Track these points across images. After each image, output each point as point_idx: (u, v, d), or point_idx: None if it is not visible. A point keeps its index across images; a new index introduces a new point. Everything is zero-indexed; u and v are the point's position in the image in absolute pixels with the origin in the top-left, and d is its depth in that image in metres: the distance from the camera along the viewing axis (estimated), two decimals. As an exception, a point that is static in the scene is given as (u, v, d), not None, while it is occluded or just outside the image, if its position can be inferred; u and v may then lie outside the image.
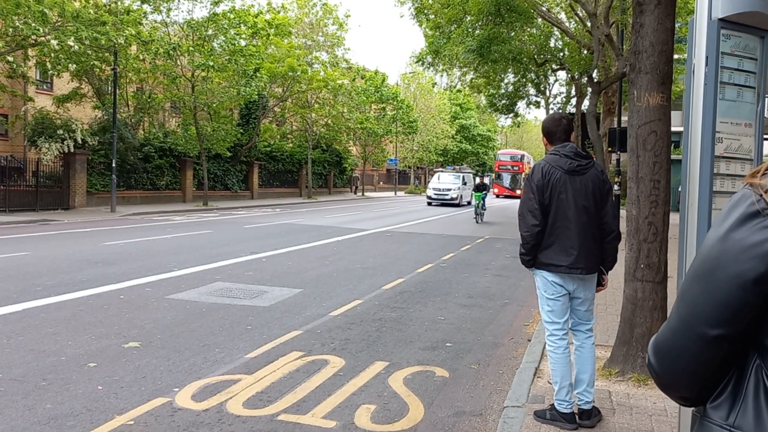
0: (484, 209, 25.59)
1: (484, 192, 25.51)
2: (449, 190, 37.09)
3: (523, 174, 61.75)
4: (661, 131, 5.26)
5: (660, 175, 5.22)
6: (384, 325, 7.18)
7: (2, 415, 4.26)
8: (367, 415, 4.46)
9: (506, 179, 61.29)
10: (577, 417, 4.19)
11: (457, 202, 36.65)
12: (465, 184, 38.31)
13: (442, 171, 43.64)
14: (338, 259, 12.70)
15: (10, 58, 21.25)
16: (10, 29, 20.19)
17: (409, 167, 68.48)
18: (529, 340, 6.49)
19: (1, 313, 7.07)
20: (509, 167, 61.50)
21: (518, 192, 57.23)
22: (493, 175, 65.57)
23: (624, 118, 18.82)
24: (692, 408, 1.29)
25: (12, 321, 6.77)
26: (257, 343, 6.22)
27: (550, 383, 5.06)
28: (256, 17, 30.56)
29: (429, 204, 36.69)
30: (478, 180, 29.22)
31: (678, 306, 1.25)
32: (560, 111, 5.08)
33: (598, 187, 3.99)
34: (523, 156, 65.00)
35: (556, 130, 4.09)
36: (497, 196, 57.80)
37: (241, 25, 28.96)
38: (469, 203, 36.83)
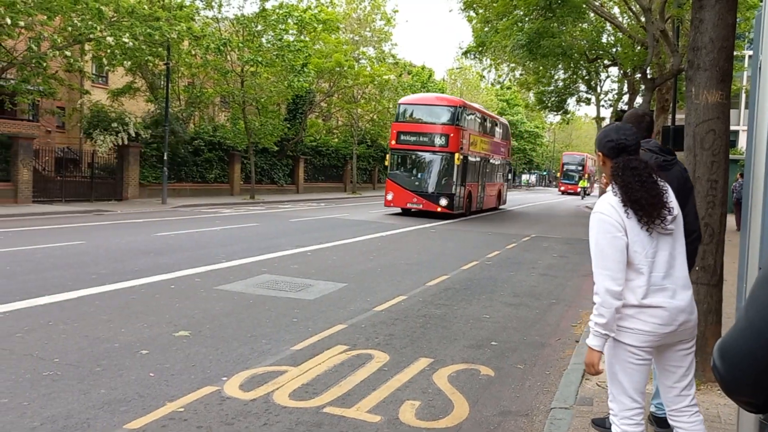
0: None
1: None
2: None
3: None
4: (719, 130, 5.09)
5: (718, 175, 5.06)
6: (428, 322, 7.16)
7: (59, 398, 4.41)
8: (411, 411, 4.46)
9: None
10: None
11: None
12: None
13: None
14: (382, 255, 12.73)
15: (68, 53, 21.93)
16: (69, 26, 20.83)
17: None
18: (577, 341, 6.39)
19: (58, 300, 7.32)
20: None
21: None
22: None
23: (678, 116, 18.36)
24: (758, 415, 1.25)
25: (68, 308, 7.00)
26: (303, 336, 6.28)
27: (599, 385, 4.98)
28: (304, 12, 30.83)
29: None
30: None
31: (747, 309, 1.21)
32: (643, 108, 4.98)
33: (682, 185, 3.81)
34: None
35: (638, 126, 3.98)
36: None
37: (289, 19, 29.25)
38: None
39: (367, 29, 43.70)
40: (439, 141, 23.68)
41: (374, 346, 6.06)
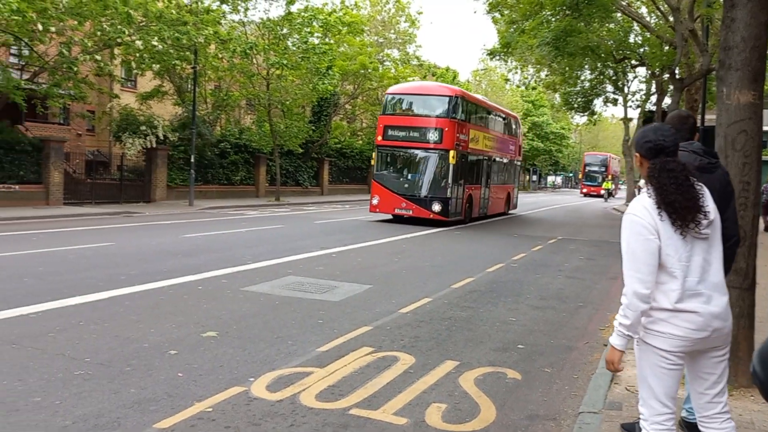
0: None
1: None
2: None
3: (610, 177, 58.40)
4: (751, 130, 5.01)
5: (750, 177, 4.97)
6: (454, 324, 7.14)
7: (91, 397, 4.48)
8: (438, 414, 4.45)
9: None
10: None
11: None
12: None
13: None
14: (407, 256, 12.72)
15: (98, 57, 22.32)
16: (98, 31, 21.21)
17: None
18: (605, 345, 6.31)
19: (89, 300, 7.45)
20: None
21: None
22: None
23: (708, 116, 18.07)
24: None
25: (99, 308, 7.12)
26: (328, 337, 6.30)
27: (628, 390, 4.92)
28: (329, 15, 31.01)
29: None
30: None
31: None
32: (686, 110, 4.92)
33: (724, 187, 3.73)
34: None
35: (681, 128, 3.93)
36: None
37: (314, 22, 29.43)
38: None
39: (392, 31, 43.78)
40: (431, 136, 20.47)
41: (399, 348, 6.06)
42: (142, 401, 4.45)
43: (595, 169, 64.06)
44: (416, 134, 20.73)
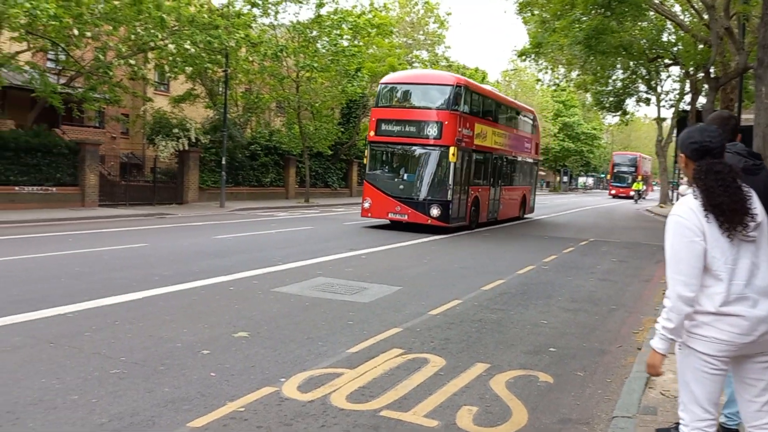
0: None
1: None
2: None
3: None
4: (792, 130, 4.89)
5: (790, 178, 4.85)
6: (484, 327, 7.10)
7: (126, 396, 4.56)
8: (469, 417, 4.43)
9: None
10: None
11: None
12: None
13: None
14: (436, 258, 12.68)
15: (132, 61, 22.71)
16: (132, 35, 21.60)
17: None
18: (639, 349, 6.21)
19: (124, 300, 7.58)
20: None
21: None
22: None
23: (744, 116, 17.67)
24: None
25: (134, 308, 7.24)
26: (358, 339, 6.32)
27: (663, 394, 4.83)
28: (358, 17, 31.14)
29: None
30: None
31: None
32: (727, 111, 4.81)
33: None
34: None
35: (724, 129, 3.85)
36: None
37: (343, 24, 29.55)
38: None
39: (421, 32, 43.74)
40: (429, 131, 17.91)
41: (430, 350, 6.04)
42: (176, 400, 4.51)
43: (624, 169, 62.39)
44: (413, 129, 18.25)
